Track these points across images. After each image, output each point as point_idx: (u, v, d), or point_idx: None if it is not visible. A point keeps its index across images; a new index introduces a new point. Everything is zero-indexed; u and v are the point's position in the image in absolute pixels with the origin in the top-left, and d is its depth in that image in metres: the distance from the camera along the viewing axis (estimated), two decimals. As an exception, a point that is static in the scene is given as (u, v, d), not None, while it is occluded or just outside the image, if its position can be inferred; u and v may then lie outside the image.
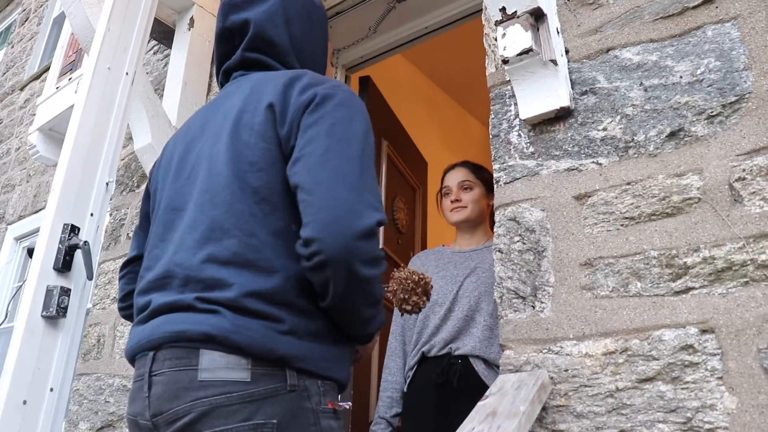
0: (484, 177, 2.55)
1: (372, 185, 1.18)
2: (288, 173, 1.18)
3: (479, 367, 2.19)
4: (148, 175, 1.54)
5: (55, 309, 1.88)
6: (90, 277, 1.98)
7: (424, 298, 1.76)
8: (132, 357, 1.22)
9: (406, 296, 1.74)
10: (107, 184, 2.13)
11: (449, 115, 6.10)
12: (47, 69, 5.57)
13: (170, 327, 1.14)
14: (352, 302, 1.17)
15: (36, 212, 5.30)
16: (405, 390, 2.38)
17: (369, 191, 1.16)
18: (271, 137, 1.22)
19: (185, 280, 1.17)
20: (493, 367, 2.18)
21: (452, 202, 2.50)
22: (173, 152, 1.40)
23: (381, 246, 3.28)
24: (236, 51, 1.45)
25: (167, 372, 1.11)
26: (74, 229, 1.98)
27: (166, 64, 3.47)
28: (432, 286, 1.80)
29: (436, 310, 2.33)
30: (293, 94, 1.25)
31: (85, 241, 1.97)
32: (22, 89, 6.56)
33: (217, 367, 1.08)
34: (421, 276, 1.77)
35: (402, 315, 2.16)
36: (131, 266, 1.46)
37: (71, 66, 4.96)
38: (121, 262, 3.23)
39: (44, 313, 1.87)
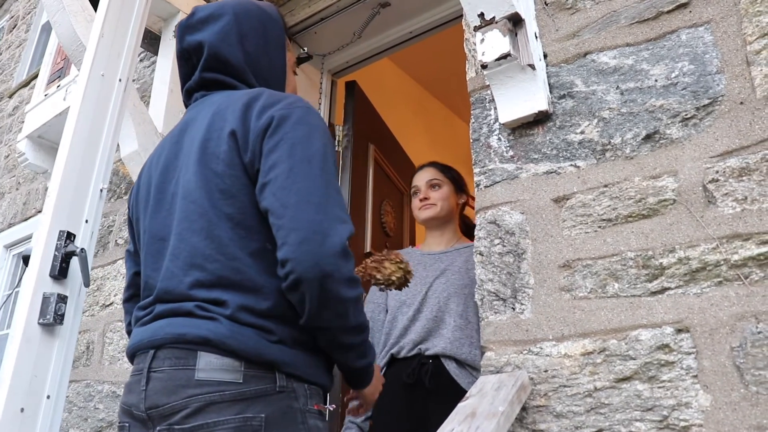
0: (452, 175, 2.57)
1: (336, 198, 1.24)
2: (258, 198, 1.25)
3: (450, 366, 2.19)
4: (129, 196, 1.58)
5: (52, 316, 1.87)
6: (87, 284, 1.97)
7: (393, 268, 1.77)
8: (133, 354, 1.31)
9: (376, 267, 1.76)
10: (101, 190, 2.13)
11: (437, 118, 6.12)
12: (36, 76, 5.56)
13: (172, 329, 1.22)
14: (327, 322, 1.22)
15: (26, 220, 5.28)
16: None
17: (333, 205, 1.22)
18: (237, 164, 1.28)
19: (179, 300, 1.26)
20: (465, 366, 2.19)
21: (421, 200, 2.51)
22: (150, 182, 1.44)
23: (368, 249, 3.29)
24: (195, 71, 1.50)
25: (167, 370, 1.20)
26: (70, 236, 1.98)
27: (152, 71, 3.48)
28: (402, 260, 1.81)
29: (404, 311, 2.33)
30: (252, 119, 1.30)
31: (82, 248, 1.97)
32: (10, 97, 6.54)
33: (212, 368, 1.17)
34: (384, 253, 1.78)
35: (383, 290, 2.18)
36: (133, 289, 1.52)
37: (59, 73, 4.96)
38: (109, 268, 3.25)
39: (41, 321, 1.87)
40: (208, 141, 1.33)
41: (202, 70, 1.47)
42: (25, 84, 6.28)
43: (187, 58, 1.51)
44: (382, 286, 1.81)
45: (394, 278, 1.74)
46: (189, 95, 1.53)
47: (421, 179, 2.56)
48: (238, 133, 1.29)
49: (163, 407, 1.17)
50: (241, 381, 1.16)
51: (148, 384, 1.20)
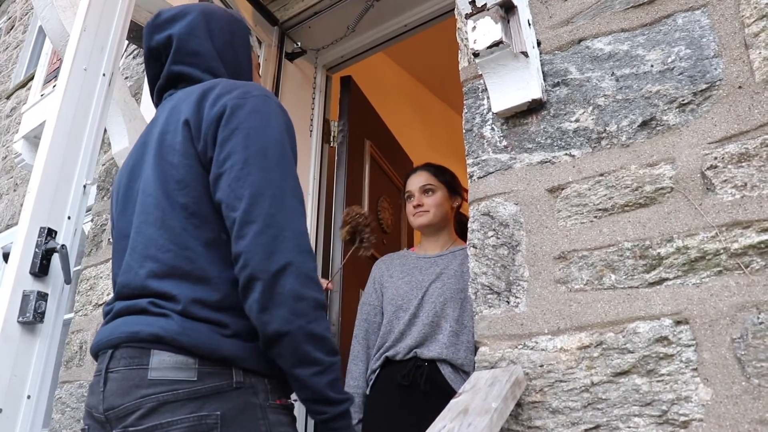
0: (446, 179, 2.54)
1: (294, 189, 1.22)
2: (212, 189, 1.23)
3: (446, 370, 2.16)
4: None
5: (32, 314, 1.84)
6: (68, 281, 1.94)
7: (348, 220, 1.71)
8: (95, 354, 1.29)
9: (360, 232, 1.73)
10: (85, 186, 2.10)
11: (434, 113, 6.08)
12: (33, 77, 5.55)
13: (127, 328, 1.20)
14: (284, 323, 1.12)
15: (23, 221, 5.25)
16: (367, 393, 2.35)
17: (290, 197, 1.20)
18: (192, 154, 1.26)
19: (136, 294, 1.25)
20: (460, 371, 2.16)
21: (414, 207, 2.48)
22: (120, 182, 1.44)
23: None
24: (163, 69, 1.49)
25: (122, 370, 1.17)
26: (51, 233, 1.94)
27: (145, 68, 3.44)
28: (356, 214, 1.77)
29: (400, 316, 2.31)
30: (206, 108, 1.28)
31: (63, 245, 1.94)
32: (8, 98, 6.53)
33: (165, 366, 1.14)
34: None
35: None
36: None
37: (56, 73, 4.94)
38: (102, 267, 3.21)
39: (20, 319, 1.83)
40: (165, 134, 1.32)
41: (171, 63, 1.46)
42: (23, 85, 6.27)
43: (155, 57, 1.50)
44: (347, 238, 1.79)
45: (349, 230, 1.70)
46: (159, 96, 1.52)
47: (414, 184, 2.53)
48: (191, 122, 1.27)
49: (118, 408, 1.14)
50: (195, 378, 1.13)
51: (105, 385, 1.18)
